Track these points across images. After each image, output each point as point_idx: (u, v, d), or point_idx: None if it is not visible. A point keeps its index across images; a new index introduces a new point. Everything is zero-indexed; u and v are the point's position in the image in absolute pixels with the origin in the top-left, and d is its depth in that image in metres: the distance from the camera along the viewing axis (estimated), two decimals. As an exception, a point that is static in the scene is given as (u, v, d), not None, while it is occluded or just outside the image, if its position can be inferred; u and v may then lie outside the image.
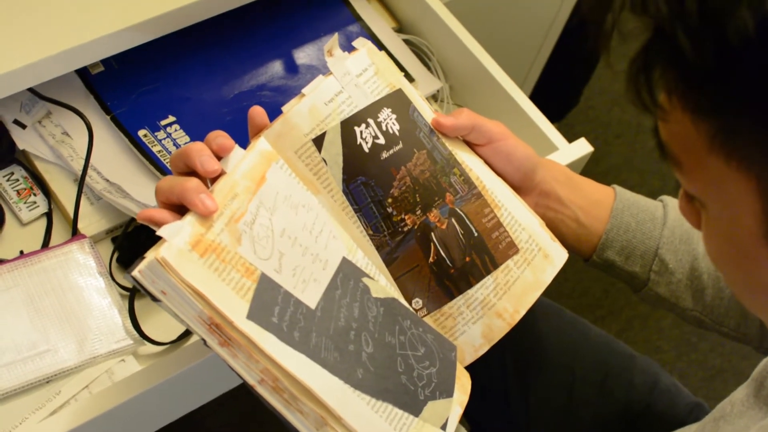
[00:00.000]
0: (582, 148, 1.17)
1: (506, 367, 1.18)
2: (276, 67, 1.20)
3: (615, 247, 0.98)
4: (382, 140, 0.87)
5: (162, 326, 1.03)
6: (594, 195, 0.99)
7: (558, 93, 2.12)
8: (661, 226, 0.98)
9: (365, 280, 0.82)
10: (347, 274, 0.80)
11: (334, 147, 0.85)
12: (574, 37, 1.86)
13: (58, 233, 1.10)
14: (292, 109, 0.84)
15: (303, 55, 1.22)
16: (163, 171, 1.08)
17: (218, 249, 0.70)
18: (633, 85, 0.59)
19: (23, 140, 1.11)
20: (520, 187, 0.95)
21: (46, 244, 1.09)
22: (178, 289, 0.68)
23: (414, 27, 1.31)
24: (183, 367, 0.93)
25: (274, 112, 1.15)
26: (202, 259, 0.69)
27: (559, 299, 2.13)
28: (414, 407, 0.79)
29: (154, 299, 0.70)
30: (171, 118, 1.13)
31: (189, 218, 0.70)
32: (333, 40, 0.89)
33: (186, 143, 1.09)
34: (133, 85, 1.14)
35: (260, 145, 0.79)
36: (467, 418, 1.26)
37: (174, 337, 1.02)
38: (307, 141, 0.84)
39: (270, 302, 0.72)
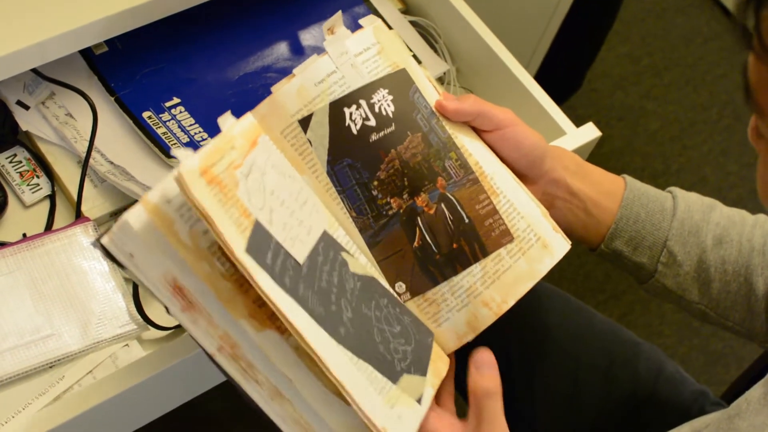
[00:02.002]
0: (590, 132, 1.16)
1: (511, 355, 1.17)
2: (281, 49, 1.19)
3: (624, 237, 0.97)
4: (372, 122, 0.87)
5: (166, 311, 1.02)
6: (604, 185, 0.98)
7: (561, 76, 2.11)
8: (671, 217, 0.97)
9: (344, 254, 0.83)
10: (328, 244, 0.81)
11: (320, 128, 0.86)
12: (580, 19, 1.85)
13: (62, 216, 1.09)
14: (280, 89, 0.85)
15: (309, 36, 1.21)
16: (168, 153, 1.06)
17: (221, 183, 0.71)
18: (740, 18, 0.59)
19: (26, 121, 1.10)
20: (528, 175, 0.94)
21: (49, 227, 1.08)
22: (149, 244, 0.70)
23: (421, 8, 1.30)
24: (188, 352, 0.93)
25: (279, 95, 1.15)
26: (208, 186, 0.70)
27: (561, 284, 2.13)
28: (391, 375, 0.79)
29: (121, 267, 0.72)
30: (176, 100, 1.12)
31: (199, 151, 0.71)
32: (335, 18, 0.88)
33: (191, 125, 1.09)
34: (138, 66, 1.13)
35: (249, 118, 0.80)
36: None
37: (178, 322, 1.01)
38: (293, 121, 0.85)
39: (264, 245, 0.73)
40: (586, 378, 1.16)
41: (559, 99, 1.20)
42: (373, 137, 0.87)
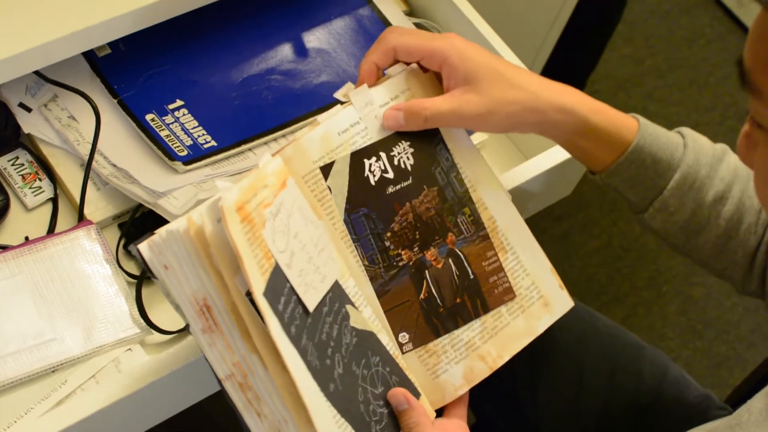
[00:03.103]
0: (596, 136, 1.15)
1: (514, 358, 1.16)
2: (285, 51, 1.19)
3: (623, 176, 0.96)
4: (390, 174, 0.89)
5: (170, 314, 1.01)
6: (616, 121, 0.95)
7: (564, 77, 2.10)
8: (676, 168, 0.95)
9: (348, 307, 0.84)
10: (336, 296, 0.82)
11: (340, 177, 0.87)
12: (584, 21, 1.84)
13: (64, 219, 1.08)
14: (305, 135, 0.86)
15: (313, 39, 1.20)
16: (171, 156, 1.06)
17: (252, 222, 0.73)
18: None
19: (29, 124, 1.09)
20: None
21: (51, 231, 1.07)
22: (187, 261, 0.72)
23: (425, 10, 1.29)
24: (192, 357, 0.93)
25: (282, 97, 1.15)
26: (241, 224, 0.71)
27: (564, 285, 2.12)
28: None
29: (152, 276, 0.73)
30: (179, 102, 1.11)
31: (237, 185, 0.72)
32: (346, 87, 0.91)
33: (194, 128, 1.08)
34: (141, 68, 1.13)
35: (279, 159, 0.81)
36: (474, 410, 1.25)
37: (182, 325, 1.00)
38: (315, 168, 0.86)
39: (279, 290, 0.74)
40: (589, 381, 1.15)
41: (562, 101, 1.19)
42: (390, 189, 0.89)
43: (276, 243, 0.74)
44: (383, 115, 0.88)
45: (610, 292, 2.14)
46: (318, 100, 1.14)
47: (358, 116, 0.87)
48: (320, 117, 0.87)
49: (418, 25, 1.27)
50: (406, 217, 0.89)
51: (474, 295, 0.91)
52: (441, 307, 0.90)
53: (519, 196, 1.11)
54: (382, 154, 0.88)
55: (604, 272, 2.17)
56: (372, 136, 0.88)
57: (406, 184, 0.88)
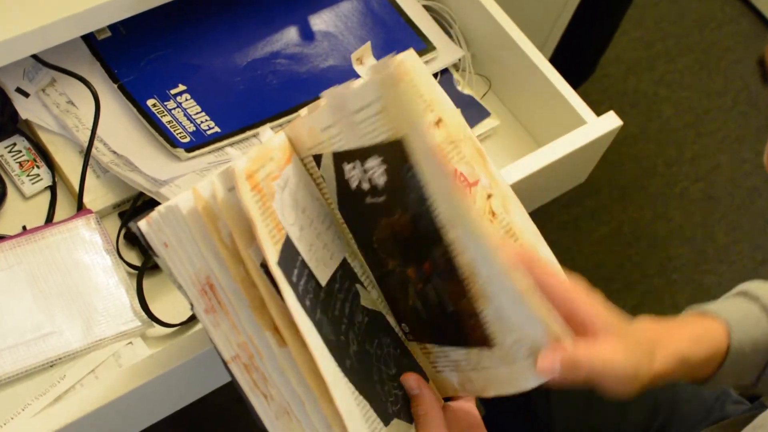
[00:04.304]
0: (611, 122, 1.13)
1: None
2: (291, 34, 1.16)
3: (729, 378, 0.93)
4: (366, 185, 0.78)
5: (172, 307, 1.00)
6: (711, 339, 0.91)
7: (575, 61, 2.08)
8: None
9: (358, 286, 0.81)
10: (345, 273, 0.80)
11: (328, 171, 0.80)
12: (594, 4, 1.82)
13: (63, 208, 1.06)
14: (298, 121, 0.80)
15: (319, 21, 1.17)
16: (173, 143, 1.04)
17: (261, 192, 0.71)
18: None
19: (26, 109, 1.07)
20: None
21: (50, 220, 1.05)
22: (188, 238, 0.71)
23: (435, -8, 1.27)
24: (195, 351, 0.91)
25: (288, 81, 1.12)
26: (252, 192, 0.70)
27: (573, 274, 2.10)
28: (384, 416, 0.78)
29: (153, 254, 0.73)
30: (181, 87, 1.09)
31: (247, 154, 0.71)
32: (364, 48, 0.84)
33: (197, 114, 1.06)
34: (142, 52, 1.11)
35: (283, 135, 0.79)
36: (484, 403, 1.22)
37: (184, 318, 0.99)
38: (309, 155, 0.81)
39: (292, 262, 0.72)
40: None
41: (572, 85, 1.17)
42: (368, 200, 0.79)
43: (285, 216, 0.73)
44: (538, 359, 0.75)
45: (619, 280, 2.12)
46: (325, 85, 1.08)
47: (332, 119, 0.78)
48: (302, 111, 0.81)
49: (427, 8, 1.24)
50: (385, 230, 0.81)
51: (453, 326, 0.81)
52: (426, 322, 0.83)
53: (531, 185, 1.08)
54: (358, 163, 0.78)
55: (614, 259, 2.14)
56: (345, 143, 0.78)
57: (381, 200, 0.78)
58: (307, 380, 0.72)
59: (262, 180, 0.71)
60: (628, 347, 0.77)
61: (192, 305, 0.74)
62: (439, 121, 0.90)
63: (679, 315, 0.95)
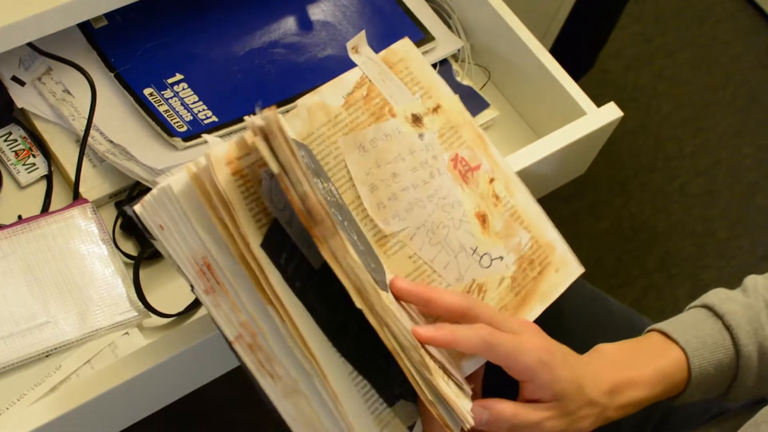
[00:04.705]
0: (611, 113, 1.13)
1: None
2: (289, 23, 1.15)
3: (695, 397, 0.96)
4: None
5: (169, 297, 1.00)
6: (673, 375, 0.93)
7: (574, 54, 2.07)
8: (737, 355, 0.93)
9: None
10: None
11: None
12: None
13: (59, 197, 1.06)
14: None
15: (318, 11, 1.17)
16: (170, 132, 1.03)
17: (245, 177, 0.71)
18: None
19: (22, 98, 1.07)
20: None
21: (45, 209, 1.04)
22: (182, 218, 0.71)
23: (434, -17, 1.26)
24: (192, 341, 0.90)
25: (286, 71, 1.11)
26: (233, 177, 0.70)
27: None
28: (388, 397, 0.77)
29: (150, 237, 0.73)
30: (178, 76, 1.08)
31: (231, 141, 0.72)
32: (359, 37, 0.87)
33: (194, 103, 1.05)
34: (139, 41, 1.10)
35: None
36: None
37: (181, 308, 0.98)
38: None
39: (280, 245, 0.72)
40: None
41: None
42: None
43: (274, 201, 0.73)
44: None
45: (619, 275, 2.11)
46: (323, 75, 1.09)
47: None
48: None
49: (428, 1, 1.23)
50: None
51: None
52: None
53: (531, 176, 1.07)
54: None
55: (614, 254, 2.13)
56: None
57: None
58: (302, 362, 0.72)
59: (247, 166, 0.71)
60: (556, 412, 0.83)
61: (192, 287, 0.74)
62: (437, 107, 0.91)
63: (641, 336, 0.97)
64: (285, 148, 0.67)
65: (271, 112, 0.68)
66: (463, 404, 0.77)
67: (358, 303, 0.71)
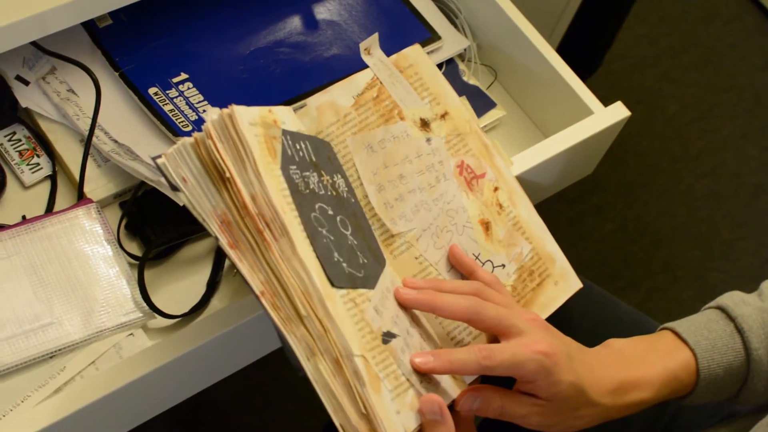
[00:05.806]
0: (618, 112, 1.12)
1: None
2: (295, 22, 1.14)
3: (704, 398, 0.95)
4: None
5: (174, 298, 0.99)
6: (680, 376, 0.92)
7: (580, 55, 2.07)
8: (748, 359, 0.93)
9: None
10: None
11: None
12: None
13: (63, 197, 1.05)
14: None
15: (323, 10, 1.16)
16: (175, 132, 1.02)
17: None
18: None
19: (26, 98, 1.06)
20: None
21: (50, 209, 1.04)
22: (201, 173, 0.73)
23: (440, -18, 1.25)
24: (197, 342, 0.89)
25: (291, 70, 1.11)
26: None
27: (577, 270, 2.09)
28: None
29: (174, 189, 0.74)
30: (183, 76, 1.07)
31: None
32: (372, 39, 0.88)
33: (199, 102, 1.04)
34: (143, 40, 1.09)
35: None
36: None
37: (186, 309, 0.98)
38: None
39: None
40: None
41: (577, 80, 1.16)
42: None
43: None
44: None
45: (625, 277, 2.11)
46: (328, 74, 1.10)
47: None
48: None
49: (433, -2, 1.23)
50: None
51: None
52: None
53: (537, 176, 1.07)
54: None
55: (619, 256, 2.13)
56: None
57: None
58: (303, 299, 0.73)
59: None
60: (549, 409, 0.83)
61: (217, 239, 0.75)
62: (445, 114, 0.92)
63: (654, 333, 0.96)
64: (239, 147, 0.71)
65: (227, 110, 0.72)
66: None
67: (301, 308, 0.72)
